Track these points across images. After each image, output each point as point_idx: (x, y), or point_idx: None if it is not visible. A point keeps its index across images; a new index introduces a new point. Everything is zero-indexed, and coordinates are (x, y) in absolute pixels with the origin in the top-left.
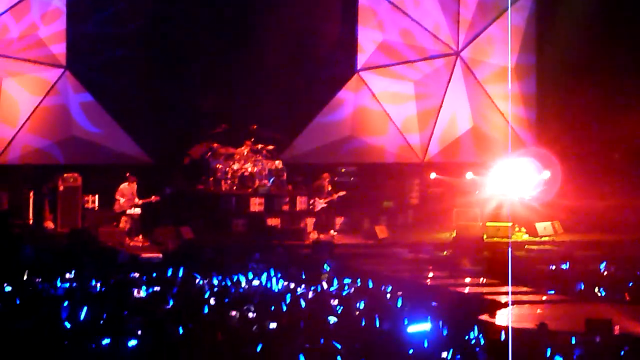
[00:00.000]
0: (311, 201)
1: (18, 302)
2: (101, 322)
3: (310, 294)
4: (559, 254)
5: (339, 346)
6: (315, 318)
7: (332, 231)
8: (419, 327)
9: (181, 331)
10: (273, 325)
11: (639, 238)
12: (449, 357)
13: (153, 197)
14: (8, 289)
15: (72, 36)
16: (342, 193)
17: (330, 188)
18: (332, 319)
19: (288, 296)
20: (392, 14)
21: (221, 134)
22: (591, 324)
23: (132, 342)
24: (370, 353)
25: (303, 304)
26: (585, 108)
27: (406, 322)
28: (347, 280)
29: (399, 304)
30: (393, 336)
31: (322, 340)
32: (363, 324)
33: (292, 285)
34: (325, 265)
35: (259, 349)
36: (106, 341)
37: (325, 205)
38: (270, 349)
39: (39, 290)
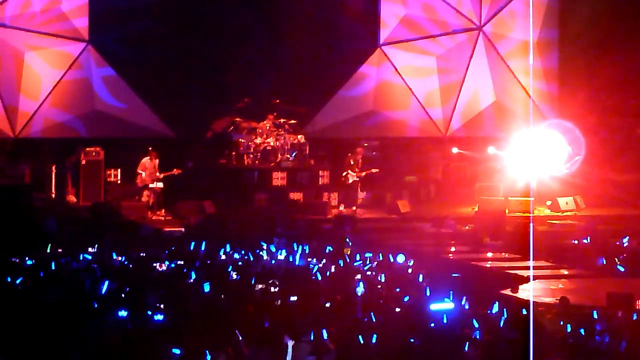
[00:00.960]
0: (344, 174)
1: (42, 275)
2: (123, 295)
3: (332, 268)
4: (581, 229)
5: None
6: (337, 291)
7: (354, 207)
8: (442, 306)
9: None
10: (294, 298)
11: None
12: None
13: (175, 170)
14: (30, 262)
15: (95, 10)
16: (375, 170)
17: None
18: (360, 289)
19: (313, 269)
20: None
21: (244, 108)
22: (613, 299)
23: (159, 317)
24: (393, 325)
25: (322, 277)
26: (608, 82)
27: (429, 300)
28: (368, 254)
29: (420, 279)
30: (415, 309)
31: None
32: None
33: (314, 259)
34: (347, 240)
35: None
36: (123, 313)
37: (357, 179)
38: (292, 322)
39: (62, 264)
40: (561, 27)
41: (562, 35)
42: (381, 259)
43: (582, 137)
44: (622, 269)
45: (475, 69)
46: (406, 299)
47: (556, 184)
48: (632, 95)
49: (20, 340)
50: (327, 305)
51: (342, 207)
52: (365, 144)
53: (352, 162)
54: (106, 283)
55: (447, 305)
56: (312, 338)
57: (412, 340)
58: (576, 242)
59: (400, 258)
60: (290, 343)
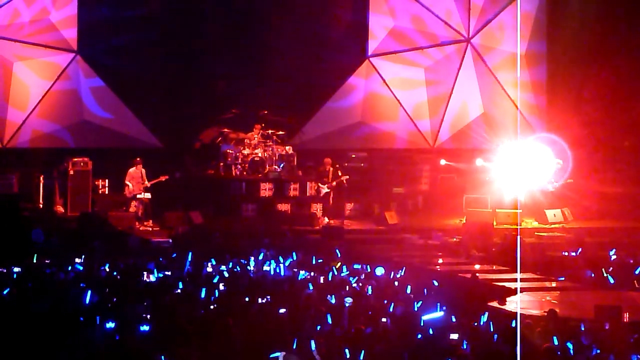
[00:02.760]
0: (315, 187)
1: (29, 285)
2: (109, 305)
3: (321, 279)
4: (569, 241)
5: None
6: (325, 303)
7: (344, 220)
8: (432, 315)
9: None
10: (282, 310)
11: None
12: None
13: (162, 176)
14: (17, 269)
15: (84, 21)
16: (345, 177)
17: (340, 173)
18: (348, 300)
19: (298, 280)
20: (403, 1)
21: (232, 119)
22: (601, 311)
23: (144, 327)
24: (381, 337)
25: (311, 288)
26: (596, 95)
27: (418, 310)
28: (356, 266)
29: (408, 290)
30: (402, 321)
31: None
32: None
33: (302, 271)
34: (337, 251)
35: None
36: (110, 325)
37: (328, 190)
38: (281, 334)
39: (49, 274)
40: (549, 40)
41: (550, 47)
42: (369, 270)
43: (569, 150)
44: (612, 281)
45: (463, 80)
46: (392, 308)
47: (544, 196)
48: (620, 108)
49: (8, 351)
50: (315, 316)
51: (326, 219)
52: (353, 155)
53: (321, 174)
54: (89, 293)
55: (437, 314)
56: (296, 348)
57: (400, 351)
58: (565, 254)
59: (379, 270)
60: (281, 355)
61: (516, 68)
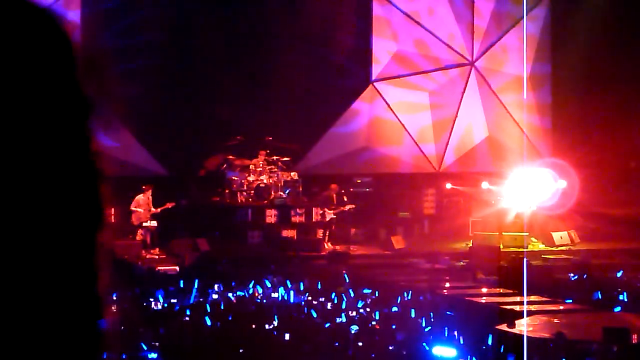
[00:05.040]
0: (320, 212)
1: None
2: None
3: (328, 305)
4: (576, 263)
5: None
6: (332, 329)
7: (350, 245)
8: (445, 352)
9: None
10: (287, 336)
11: None
12: None
13: (167, 203)
14: None
15: (86, 48)
16: (351, 206)
17: (345, 199)
18: (354, 328)
19: (307, 306)
20: (406, 25)
21: (236, 145)
22: (609, 333)
23: (152, 355)
24: None
25: (316, 314)
26: (601, 117)
27: (432, 343)
28: (365, 291)
29: (413, 315)
30: (408, 347)
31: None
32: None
33: (309, 297)
34: (345, 275)
35: None
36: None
37: (334, 216)
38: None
39: None
40: (554, 62)
41: (555, 70)
42: (376, 295)
43: (574, 173)
44: (619, 306)
45: (468, 104)
46: (398, 334)
47: (550, 219)
48: (627, 129)
49: None
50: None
51: (328, 244)
52: (359, 180)
53: (327, 199)
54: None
55: (451, 352)
56: None
57: None
58: (572, 276)
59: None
60: None
61: (521, 90)
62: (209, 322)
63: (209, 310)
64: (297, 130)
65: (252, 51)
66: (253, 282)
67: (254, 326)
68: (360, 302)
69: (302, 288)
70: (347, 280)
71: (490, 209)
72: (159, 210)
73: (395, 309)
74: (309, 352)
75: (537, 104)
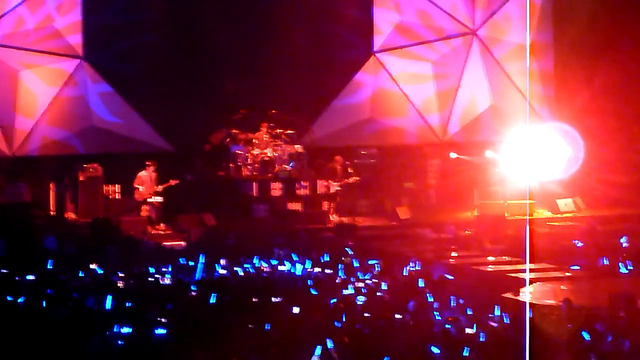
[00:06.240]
0: (325, 184)
1: (44, 293)
2: (125, 311)
3: (335, 278)
4: (581, 230)
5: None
6: (341, 301)
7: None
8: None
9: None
10: (296, 309)
11: None
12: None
13: (172, 180)
14: (30, 277)
15: (89, 26)
16: (356, 178)
17: (350, 171)
18: (361, 299)
19: (311, 278)
20: None
21: (240, 119)
22: (615, 299)
23: (161, 331)
24: (397, 332)
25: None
26: (605, 84)
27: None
28: (371, 262)
29: (421, 285)
30: (417, 316)
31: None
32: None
33: (316, 269)
34: (347, 249)
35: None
36: (127, 330)
37: (339, 188)
38: (295, 333)
39: (64, 281)
40: (556, 30)
41: (557, 37)
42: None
43: (579, 139)
44: (625, 270)
45: (471, 73)
46: (406, 303)
47: (555, 186)
48: (630, 96)
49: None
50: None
51: (335, 217)
52: (363, 152)
53: (331, 172)
54: (109, 298)
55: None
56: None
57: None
58: (577, 243)
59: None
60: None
61: (523, 59)
62: (215, 298)
63: (216, 285)
64: (301, 103)
65: (254, 25)
66: (259, 256)
67: (261, 300)
68: (367, 274)
69: (309, 261)
70: (351, 252)
71: (495, 178)
72: (161, 188)
73: (401, 279)
74: (316, 325)
75: (540, 72)
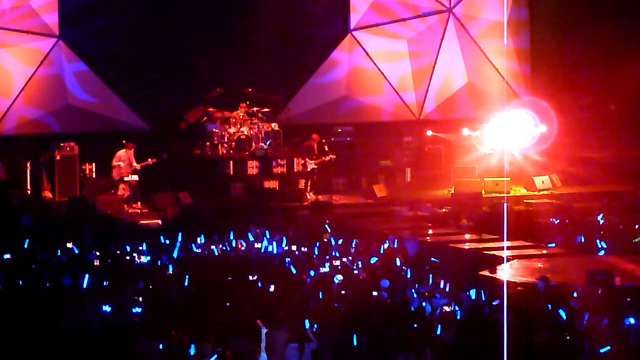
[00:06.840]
0: (302, 162)
1: (21, 271)
2: (102, 289)
3: (311, 255)
4: (558, 207)
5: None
6: (317, 279)
7: (333, 195)
8: None
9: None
10: (272, 287)
11: (638, 188)
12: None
13: (149, 159)
14: (7, 256)
15: (64, 5)
16: (332, 156)
17: (326, 148)
18: (338, 277)
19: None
20: None
21: (216, 98)
22: (592, 276)
23: (137, 310)
24: (373, 310)
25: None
26: (579, 60)
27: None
28: (348, 240)
29: (398, 263)
30: (393, 294)
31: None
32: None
33: (293, 247)
34: (326, 226)
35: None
36: (106, 308)
37: (315, 166)
38: (272, 311)
39: (40, 260)
40: (531, 7)
41: (533, 14)
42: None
43: (554, 116)
44: (604, 246)
45: (447, 51)
46: (382, 282)
47: (531, 163)
48: (605, 72)
49: (2, 337)
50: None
51: (311, 195)
52: (339, 130)
53: (308, 149)
54: (86, 277)
55: None
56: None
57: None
58: (554, 220)
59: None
60: (264, 331)
61: (499, 36)
62: (191, 275)
63: (192, 264)
64: (277, 81)
65: (230, 2)
66: (236, 233)
67: (237, 278)
68: (343, 251)
69: (285, 239)
70: (329, 230)
71: (471, 155)
72: (139, 166)
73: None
74: (293, 303)
75: (516, 49)
